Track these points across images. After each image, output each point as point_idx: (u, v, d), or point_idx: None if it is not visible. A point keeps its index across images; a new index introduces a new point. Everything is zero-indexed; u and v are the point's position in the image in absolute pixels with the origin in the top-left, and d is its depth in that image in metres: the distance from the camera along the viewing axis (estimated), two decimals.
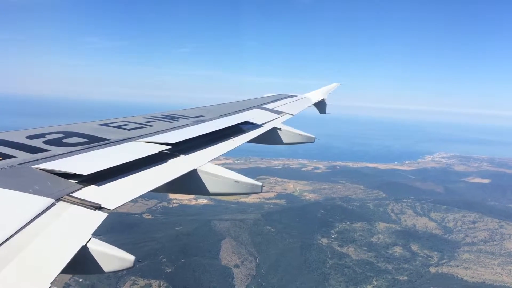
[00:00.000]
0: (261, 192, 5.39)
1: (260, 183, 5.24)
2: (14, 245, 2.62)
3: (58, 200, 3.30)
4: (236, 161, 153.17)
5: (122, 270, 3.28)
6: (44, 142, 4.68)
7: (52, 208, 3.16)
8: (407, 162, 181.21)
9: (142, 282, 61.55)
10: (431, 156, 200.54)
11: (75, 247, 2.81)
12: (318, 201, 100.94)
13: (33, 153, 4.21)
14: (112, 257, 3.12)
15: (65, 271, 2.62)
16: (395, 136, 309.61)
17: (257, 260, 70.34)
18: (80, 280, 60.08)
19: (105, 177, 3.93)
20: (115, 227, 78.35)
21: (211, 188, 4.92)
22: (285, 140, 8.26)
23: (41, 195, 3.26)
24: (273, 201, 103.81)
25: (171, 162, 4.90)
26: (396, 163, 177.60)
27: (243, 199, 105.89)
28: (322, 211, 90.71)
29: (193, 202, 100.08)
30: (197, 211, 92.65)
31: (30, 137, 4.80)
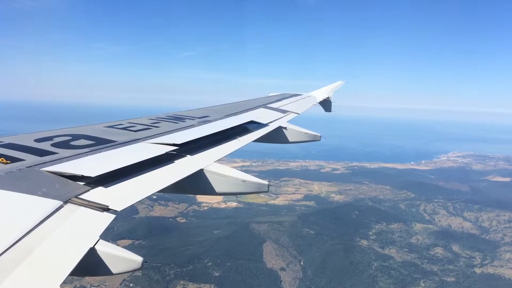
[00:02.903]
0: (268, 191, 5.31)
1: (267, 182, 5.17)
2: (23, 247, 2.64)
3: (66, 202, 3.33)
4: (253, 163, 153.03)
5: (131, 271, 3.27)
6: (52, 145, 4.73)
7: (60, 210, 3.19)
8: (423, 161, 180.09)
9: (192, 286, 61.15)
10: (446, 156, 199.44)
11: (84, 249, 2.82)
12: (350, 203, 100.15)
13: (41, 156, 4.24)
14: (120, 258, 3.10)
15: (73, 273, 2.61)
16: (406, 136, 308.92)
17: (302, 263, 69.69)
18: (131, 285, 59.62)
19: (113, 178, 3.95)
20: (153, 231, 78.23)
21: (218, 188, 4.92)
22: (290, 139, 8.20)
23: (49, 198, 3.29)
24: (303, 203, 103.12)
25: (178, 162, 4.91)
26: (412, 162, 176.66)
27: (271, 201, 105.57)
28: (357, 213, 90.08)
29: (223, 205, 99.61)
30: (229, 214, 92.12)
31: (38, 140, 4.85)
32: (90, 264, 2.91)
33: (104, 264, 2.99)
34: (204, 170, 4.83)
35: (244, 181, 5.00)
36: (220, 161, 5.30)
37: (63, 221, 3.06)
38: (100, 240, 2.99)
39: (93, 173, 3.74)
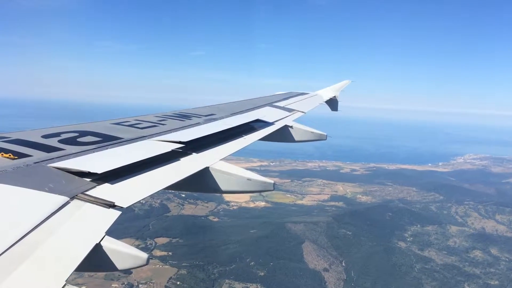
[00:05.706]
0: (273, 190, 5.25)
1: (272, 181, 5.12)
2: (29, 242, 2.65)
3: (72, 198, 3.34)
4: (271, 163, 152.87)
5: (136, 267, 3.28)
6: (59, 141, 4.75)
7: (66, 206, 3.21)
8: (440, 163, 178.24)
9: (238, 285, 60.80)
10: (462, 158, 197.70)
11: (89, 244, 2.84)
12: (380, 204, 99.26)
13: (48, 152, 4.27)
14: (125, 254, 3.10)
15: (79, 268, 2.62)
16: (418, 138, 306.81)
17: (343, 264, 69.15)
18: (178, 283, 59.28)
19: (119, 175, 3.95)
20: (189, 230, 77.67)
21: (223, 186, 4.91)
22: (296, 138, 8.20)
23: (56, 193, 3.31)
24: (331, 203, 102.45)
25: (184, 160, 4.92)
26: (430, 164, 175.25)
27: (298, 201, 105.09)
28: (390, 214, 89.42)
29: (252, 205, 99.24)
30: (261, 214, 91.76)
31: (45, 136, 4.88)
32: (96, 260, 2.93)
33: (110, 260, 3.01)
34: (209, 168, 4.83)
35: (249, 179, 4.94)
36: (227, 159, 5.24)
37: (69, 217, 3.09)
38: (106, 236, 3.00)
39: (99, 170, 3.76)
